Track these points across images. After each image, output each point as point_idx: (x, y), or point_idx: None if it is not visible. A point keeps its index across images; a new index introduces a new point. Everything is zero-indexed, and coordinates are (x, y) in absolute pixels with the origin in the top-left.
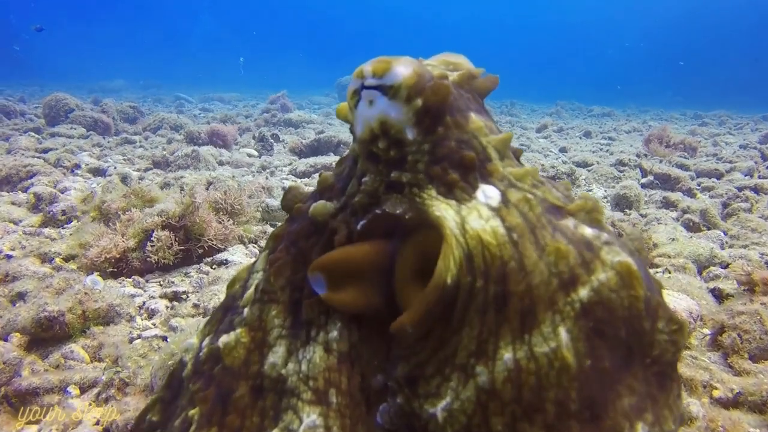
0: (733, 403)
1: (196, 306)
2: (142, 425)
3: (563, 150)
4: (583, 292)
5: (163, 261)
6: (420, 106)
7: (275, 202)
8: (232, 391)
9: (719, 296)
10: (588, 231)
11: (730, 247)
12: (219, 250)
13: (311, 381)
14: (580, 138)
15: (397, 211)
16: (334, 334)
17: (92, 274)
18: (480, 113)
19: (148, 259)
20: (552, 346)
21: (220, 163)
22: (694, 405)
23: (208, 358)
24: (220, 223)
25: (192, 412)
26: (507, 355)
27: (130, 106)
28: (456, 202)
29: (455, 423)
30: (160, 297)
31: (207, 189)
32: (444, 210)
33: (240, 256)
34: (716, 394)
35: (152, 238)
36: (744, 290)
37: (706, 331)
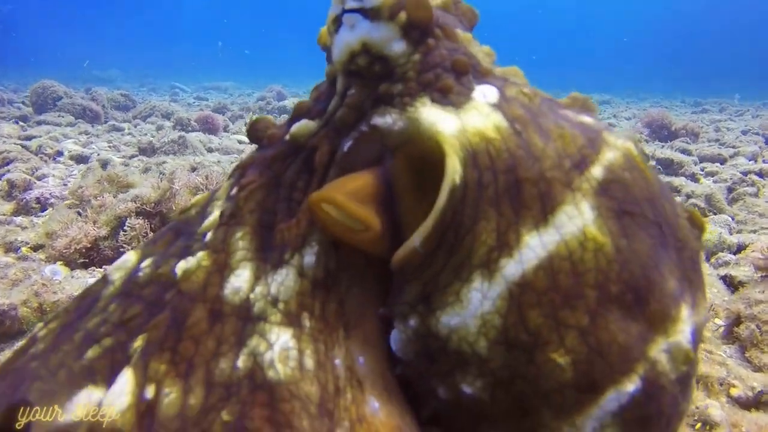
0: (755, 403)
1: None
2: (20, 362)
3: None
4: (597, 170)
5: None
6: (405, 20)
7: None
8: (187, 316)
9: (731, 284)
10: (587, 118)
11: (738, 232)
12: None
13: (281, 304)
14: None
15: (387, 120)
16: (310, 258)
17: (54, 263)
18: (464, 32)
19: (122, 249)
20: (578, 224)
21: (209, 150)
22: (713, 407)
23: (151, 281)
24: None
25: (136, 344)
26: (533, 241)
27: (121, 95)
28: (453, 106)
29: (490, 329)
30: None
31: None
32: (438, 114)
33: None
34: (734, 392)
35: (125, 227)
36: (761, 276)
37: (720, 321)
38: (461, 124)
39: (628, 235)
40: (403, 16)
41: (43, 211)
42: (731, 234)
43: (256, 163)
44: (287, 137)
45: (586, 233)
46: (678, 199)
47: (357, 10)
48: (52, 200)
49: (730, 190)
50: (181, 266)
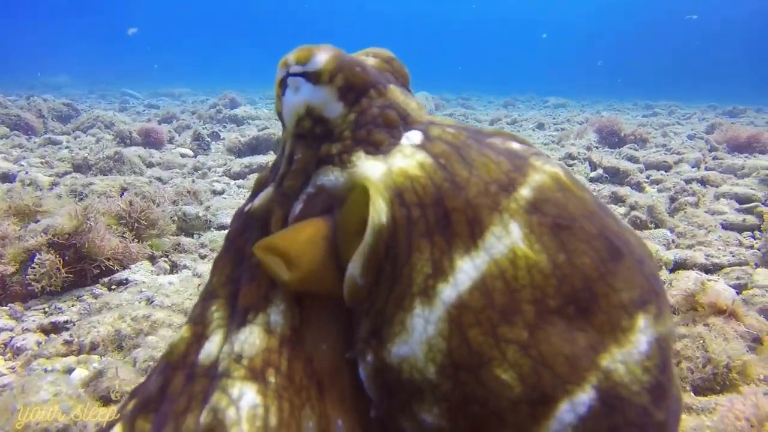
0: None
1: (67, 343)
2: None
3: None
4: (525, 191)
5: (48, 288)
6: (342, 84)
7: (193, 210)
8: (169, 383)
9: None
10: (516, 145)
11: (677, 246)
12: (119, 269)
13: (245, 360)
14: (533, 130)
15: (331, 178)
16: (276, 317)
17: None
18: (398, 86)
19: (30, 286)
20: (507, 244)
21: (150, 165)
22: None
23: (158, 362)
24: (123, 238)
25: (129, 406)
26: (465, 265)
27: (63, 104)
28: (383, 155)
29: (436, 353)
30: (36, 330)
31: (121, 195)
32: (370, 165)
33: (143, 275)
34: None
35: (33, 263)
36: (686, 309)
37: None
38: (387, 168)
39: (568, 250)
40: (340, 79)
41: None
42: (669, 249)
43: (225, 240)
44: (246, 210)
45: (515, 251)
46: (622, 209)
47: (300, 74)
48: None
49: (672, 200)
50: (169, 341)
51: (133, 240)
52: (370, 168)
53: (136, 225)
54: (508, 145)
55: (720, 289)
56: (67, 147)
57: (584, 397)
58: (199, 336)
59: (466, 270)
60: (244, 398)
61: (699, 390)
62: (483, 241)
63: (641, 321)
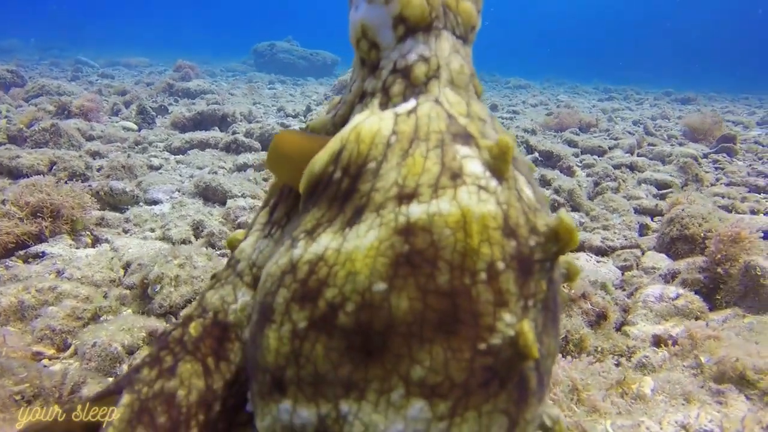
0: None
1: None
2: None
3: None
4: (415, 210)
5: None
6: (397, 12)
7: (120, 185)
8: (224, 266)
9: None
10: (473, 167)
11: (584, 230)
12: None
13: (255, 268)
14: None
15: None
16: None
17: None
18: (454, 36)
19: None
20: (354, 244)
21: (90, 138)
22: None
23: None
24: (39, 218)
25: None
26: (324, 240)
27: (8, 71)
28: (380, 112)
29: (264, 286)
30: None
31: (50, 170)
32: (362, 115)
33: (62, 248)
34: None
35: None
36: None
37: None
38: (359, 122)
39: (393, 286)
40: (396, 7)
41: None
42: None
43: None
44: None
45: (351, 254)
46: (547, 192)
47: None
48: None
49: (596, 184)
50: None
51: (48, 218)
52: (357, 118)
53: (54, 213)
54: (465, 163)
55: (605, 272)
56: (6, 117)
57: (303, 412)
58: (246, 235)
59: (320, 243)
60: (243, 298)
61: None
62: (349, 230)
63: (416, 407)
